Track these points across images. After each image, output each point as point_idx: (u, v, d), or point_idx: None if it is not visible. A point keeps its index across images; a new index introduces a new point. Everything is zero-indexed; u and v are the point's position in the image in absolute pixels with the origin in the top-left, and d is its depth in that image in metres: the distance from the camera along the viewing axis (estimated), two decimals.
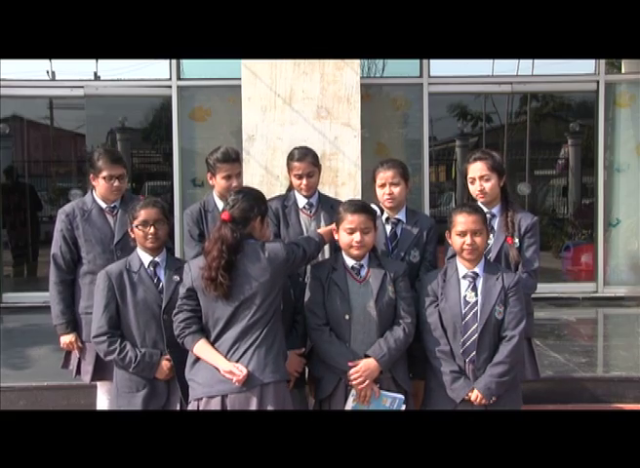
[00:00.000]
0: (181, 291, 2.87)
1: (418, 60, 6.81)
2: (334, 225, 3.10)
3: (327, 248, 3.36)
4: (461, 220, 2.97)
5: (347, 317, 2.96)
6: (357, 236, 2.97)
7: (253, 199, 2.89)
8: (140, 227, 3.04)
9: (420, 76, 6.84)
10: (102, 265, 3.23)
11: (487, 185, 3.26)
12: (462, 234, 2.97)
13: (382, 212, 3.36)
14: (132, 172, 7.98)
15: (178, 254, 4.49)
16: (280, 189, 4.58)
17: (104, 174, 3.42)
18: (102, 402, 3.54)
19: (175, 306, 2.88)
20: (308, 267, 3.20)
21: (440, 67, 6.84)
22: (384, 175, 3.32)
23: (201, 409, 2.73)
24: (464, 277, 3.00)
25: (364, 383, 2.90)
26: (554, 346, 5.02)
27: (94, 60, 7.21)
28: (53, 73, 7.26)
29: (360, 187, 5.14)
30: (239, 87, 5.23)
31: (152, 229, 3.03)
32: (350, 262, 3.03)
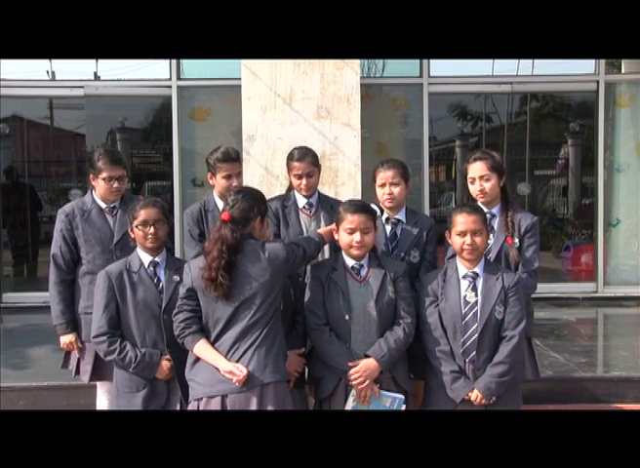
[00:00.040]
0: (181, 291, 2.87)
1: (418, 60, 6.81)
2: (334, 225, 3.10)
3: (327, 248, 3.36)
4: (461, 220, 2.97)
5: (347, 317, 2.95)
6: (357, 236, 2.97)
7: (253, 199, 2.88)
8: (139, 227, 3.04)
9: (420, 76, 6.84)
10: (102, 265, 3.23)
11: (487, 185, 3.26)
12: (462, 234, 2.97)
13: (382, 212, 3.36)
14: (132, 172, 7.97)
15: (178, 254, 4.50)
16: (280, 189, 4.57)
17: (104, 175, 3.42)
18: (102, 402, 3.54)
19: (175, 306, 2.88)
20: (308, 267, 3.20)
21: (440, 67, 6.84)
22: (384, 175, 3.32)
23: (201, 409, 2.73)
24: (464, 277, 3.00)
25: (364, 383, 2.90)
26: (554, 346, 5.02)
27: (94, 60, 7.20)
28: (53, 73, 7.25)
29: (360, 187, 5.13)
30: (239, 87, 5.22)
31: (152, 229, 3.03)
32: (350, 262, 3.03)
